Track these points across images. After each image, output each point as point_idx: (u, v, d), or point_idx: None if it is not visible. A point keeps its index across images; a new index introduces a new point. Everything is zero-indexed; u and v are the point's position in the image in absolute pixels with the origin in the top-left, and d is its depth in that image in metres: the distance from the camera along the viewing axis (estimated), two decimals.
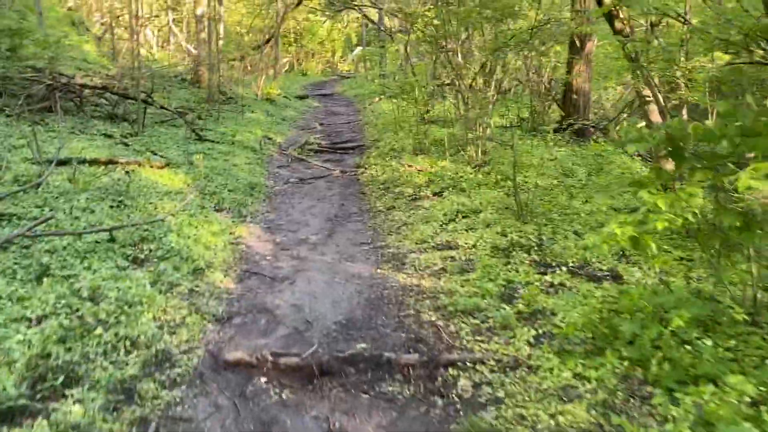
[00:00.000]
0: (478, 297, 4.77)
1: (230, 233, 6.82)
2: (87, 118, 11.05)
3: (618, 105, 13.80)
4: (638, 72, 6.71)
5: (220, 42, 19.24)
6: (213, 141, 11.44)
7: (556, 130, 11.25)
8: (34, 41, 11.16)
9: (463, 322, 4.42)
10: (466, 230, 6.57)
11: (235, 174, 9.37)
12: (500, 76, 9.66)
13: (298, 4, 20.92)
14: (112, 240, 5.69)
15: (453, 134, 10.81)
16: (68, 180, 7.15)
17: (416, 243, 6.41)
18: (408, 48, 13.81)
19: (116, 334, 3.99)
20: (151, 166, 9.06)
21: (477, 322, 4.42)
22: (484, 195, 7.75)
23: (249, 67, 23.57)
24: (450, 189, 8.20)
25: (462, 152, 9.97)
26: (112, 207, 6.67)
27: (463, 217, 7.05)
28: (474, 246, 6.06)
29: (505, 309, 4.54)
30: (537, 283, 5.01)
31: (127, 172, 8.67)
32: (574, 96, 11.41)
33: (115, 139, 10.14)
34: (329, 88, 29.12)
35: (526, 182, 8.08)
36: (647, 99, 7.04)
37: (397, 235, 6.77)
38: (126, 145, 10.02)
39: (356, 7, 22.60)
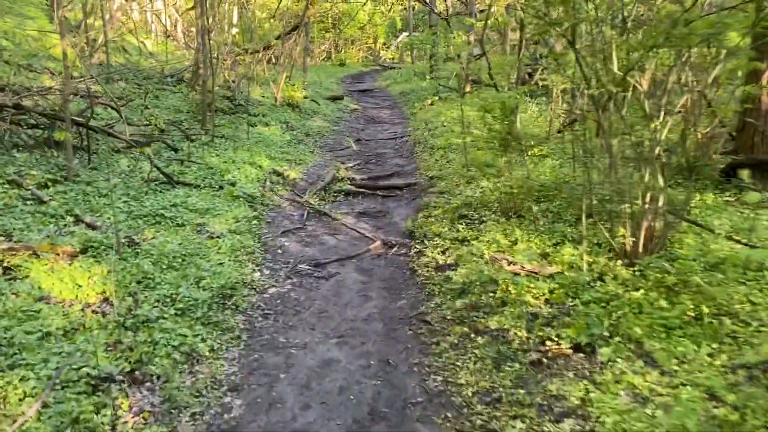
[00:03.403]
0: None
1: None
2: (3, 149, 7.28)
3: None
4: None
5: (233, 31, 15.34)
6: (190, 185, 7.51)
7: (726, 173, 6.97)
8: None
9: None
10: None
11: (203, 263, 5.41)
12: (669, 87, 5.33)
13: None
14: None
15: (576, 181, 6.61)
16: None
17: None
18: (485, 35, 9.55)
19: None
20: (57, 254, 5.21)
21: None
22: (691, 366, 3.58)
23: (274, 61, 19.64)
24: (605, 333, 4.02)
25: (590, 220, 5.78)
26: None
27: None
28: None
29: None
30: None
31: (4, 270, 4.94)
32: (762, 119, 7.04)
33: (24, 189, 6.31)
34: (369, 81, 25.02)
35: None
36: None
37: None
38: (40, 201, 6.18)
39: None
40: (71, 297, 4.72)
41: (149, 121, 9.65)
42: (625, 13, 4.74)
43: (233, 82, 12.97)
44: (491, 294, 4.73)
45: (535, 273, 4.92)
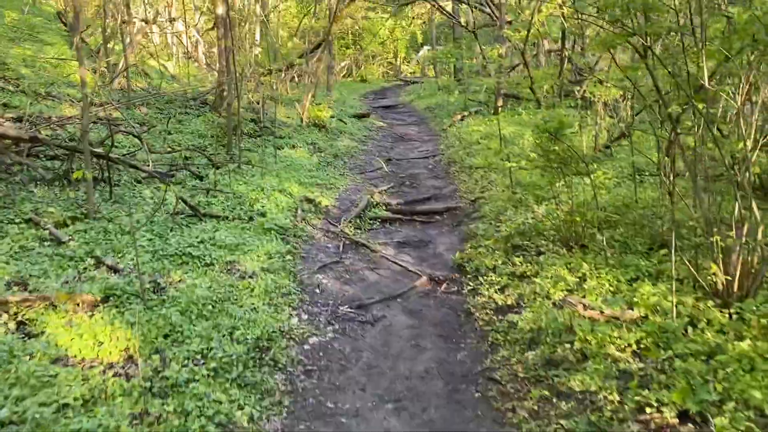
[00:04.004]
0: None
1: None
2: (20, 184, 6.87)
3: None
4: None
5: (256, 50, 14.98)
6: (218, 217, 7.00)
7: None
8: None
9: None
10: None
11: (235, 310, 4.86)
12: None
13: None
14: None
15: (640, 205, 5.97)
16: None
17: None
18: (526, 45, 8.98)
19: None
20: (76, 304, 4.72)
21: None
22: None
23: (296, 79, 19.29)
24: (715, 398, 3.37)
25: (664, 251, 5.14)
26: None
27: None
28: None
29: None
30: None
31: (18, 325, 4.49)
32: None
33: (42, 229, 5.85)
34: (392, 96, 24.56)
35: None
36: None
37: None
38: (58, 242, 5.72)
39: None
40: (91, 356, 4.21)
41: (172, 147, 9.22)
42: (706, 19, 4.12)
43: (258, 103, 12.55)
44: (568, 345, 4.09)
45: (616, 318, 4.28)
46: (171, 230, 6.40)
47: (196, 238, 6.23)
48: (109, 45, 13.35)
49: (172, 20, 15.49)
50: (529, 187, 7.58)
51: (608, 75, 9.60)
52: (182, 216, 6.92)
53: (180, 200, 6.95)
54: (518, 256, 5.78)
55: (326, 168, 10.44)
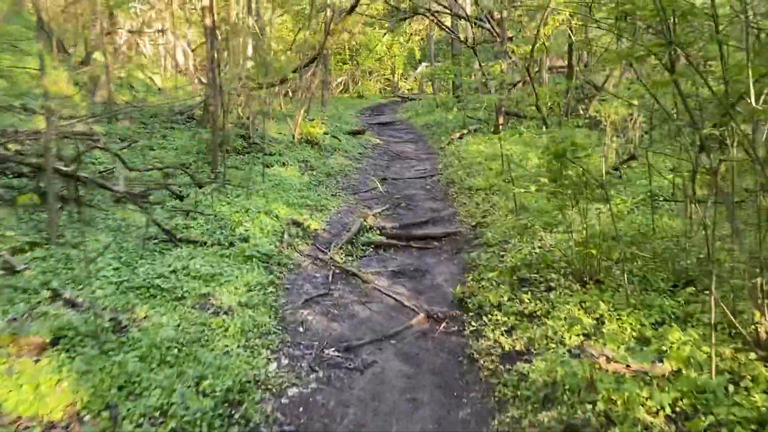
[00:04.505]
0: None
1: None
2: None
3: None
4: None
5: (248, 64, 14.46)
6: (196, 242, 6.39)
7: None
8: None
9: None
10: None
11: (205, 354, 4.24)
12: None
13: (351, 10, 15.93)
14: None
15: (659, 235, 5.41)
16: None
17: None
18: (531, 61, 8.48)
19: None
20: (22, 347, 4.11)
21: None
22: None
23: (291, 94, 18.78)
24: None
25: (690, 289, 4.56)
26: None
27: None
28: None
29: None
30: None
31: None
32: None
33: None
34: (389, 113, 24.05)
35: None
36: None
37: None
38: (12, 271, 5.10)
39: (428, 14, 17.45)
40: (30, 413, 3.58)
41: (153, 165, 8.64)
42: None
43: (247, 118, 11.99)
44: (589, 405, 3.48)
45: (644, 373, 3.68)
46: (141, 258, 5.79)
47: (169, 266, 5.62)
48: (94, 56, 12.82)
49: (161, 31, 15.00)
50: (535, 212, 7.01)
51: (618, 92, 9.10)
52: (156, 241, 6.32)
53: (154, 223, 6.35)
54: (526, 292, 5.19)
55: (317, 188, 9.86)
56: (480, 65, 16.62)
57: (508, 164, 9.20)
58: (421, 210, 8.92)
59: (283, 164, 10.82)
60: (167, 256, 5.94)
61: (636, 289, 4.93)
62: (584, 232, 5.23)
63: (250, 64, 14.65)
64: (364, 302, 5.65)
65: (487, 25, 17.18)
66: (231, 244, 6.52)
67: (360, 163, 12.55)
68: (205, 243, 6.42)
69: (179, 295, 5.14)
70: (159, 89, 14.29)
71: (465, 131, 14.52)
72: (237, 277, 5.66)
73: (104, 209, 7.11)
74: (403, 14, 18.54)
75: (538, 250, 6.00)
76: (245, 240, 6.67)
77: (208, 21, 10.42)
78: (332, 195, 9.63)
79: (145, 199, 6.73)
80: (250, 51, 14.60)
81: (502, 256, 6.18)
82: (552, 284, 5.24)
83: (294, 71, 15.33)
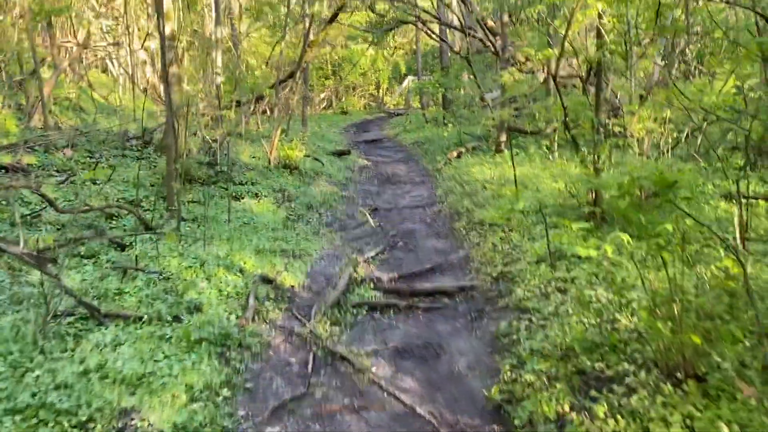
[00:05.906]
0: None
1: None
2: None
3: None
4: None
5: (218, 79, 12.84)
6: (127, 318, 4.69)
7: None
8: None
9: None
10: None
11: None
12: None
13: (332, 19, 14.38)
14: None
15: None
16: None
17: None
18: (557, 66, 6.94)
19: None
20: None
21: None
22: None
23: (268, 113, 17.20)
24: None
25: None
26: None
27: None
28: None
29: None
30: None
31: None
32: None
33: None
34: (376, 129, 22.49)
35: None
36: None
37: None
38: None
39: (417, 23, 15.98)
40: None
41: (89, 205, 6.93)
42: None
43: (215, 141, 10.34)
44: None
45: None
46: (41, 351, 4.08)
47: (79, 365, 3.92)
48: (42, 75, 11.10)
49: (115, 44, 13.33)
50: (573, 260, 5.42)
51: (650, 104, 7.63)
52: (71, 319, 4.62)
53: (69, 294, 4.65)
54: (596, 397, 3.55)
55: (295, 225, 8.19)
56: (475, 77, 15.14)
57: (523, 189, 7.63)
58: (424, 251, 7.28)
59: (256, 195, 9.15)
60: (83, 344, 4.23)
61: (756, 387, 3.32)
62: (676, 305, 3.61)
63: (219, 79, 13.03)
64: (358, 408, 3.97)
65: (479, 34, 15.77)
66: (176, 318, 4.83)
67: (346, 190, 10.91)
68: (140, 318, 4.72)
69: (83, 419, 3.44)
70: (116, 110, 12.57)
71: (462, 149, 12.97)
72: (176, 378, 3.96)
73: (14, 269, 5.40)
74: (388, 24, 17.03)
75: (594, 321, 4.37)
76: (196, 310, 4.98)
77: (168, 29, 8.79)
78: (314, 234, 7.96)
79: (54, 262, 4.99)
80: (219, 63, 12.97)
81: (544, 328, 4.55)
82: (629, 382, 3.60)
83: (270, 87, 13.74)
